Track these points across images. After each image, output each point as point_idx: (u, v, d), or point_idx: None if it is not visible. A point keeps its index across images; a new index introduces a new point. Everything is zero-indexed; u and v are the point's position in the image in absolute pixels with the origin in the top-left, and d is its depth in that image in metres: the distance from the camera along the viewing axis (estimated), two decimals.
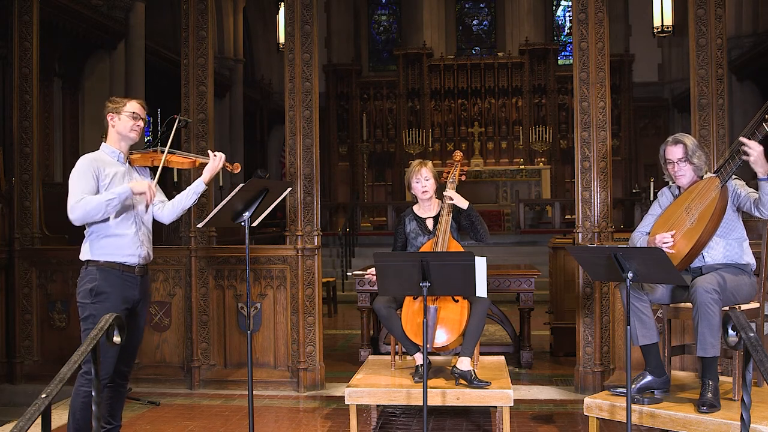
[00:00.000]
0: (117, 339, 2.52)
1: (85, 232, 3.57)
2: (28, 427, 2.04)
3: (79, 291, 3.52)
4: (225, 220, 3.79)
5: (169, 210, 3.75)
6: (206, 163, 3.76)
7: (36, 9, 5.66)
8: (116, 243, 3.52)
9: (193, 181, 3.82)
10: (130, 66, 11.06)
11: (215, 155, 3.76)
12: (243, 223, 3.72)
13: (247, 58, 16.95)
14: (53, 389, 2.16)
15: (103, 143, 3.68)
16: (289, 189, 4.18)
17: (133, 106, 3.63)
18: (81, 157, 3.56)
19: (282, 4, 6.36)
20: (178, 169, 4.19)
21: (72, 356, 2.36)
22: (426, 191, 4.30)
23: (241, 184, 3.59)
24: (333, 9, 18.64)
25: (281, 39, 11.84)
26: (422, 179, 4.29)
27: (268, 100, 17.86)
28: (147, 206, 3.66)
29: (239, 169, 3.93)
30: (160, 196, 3.75)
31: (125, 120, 3.60)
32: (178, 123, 3.90)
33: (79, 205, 3.37)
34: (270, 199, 3.80)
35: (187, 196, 3.76)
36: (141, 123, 3.65)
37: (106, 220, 3.49)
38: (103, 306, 3.43)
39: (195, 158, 3.78)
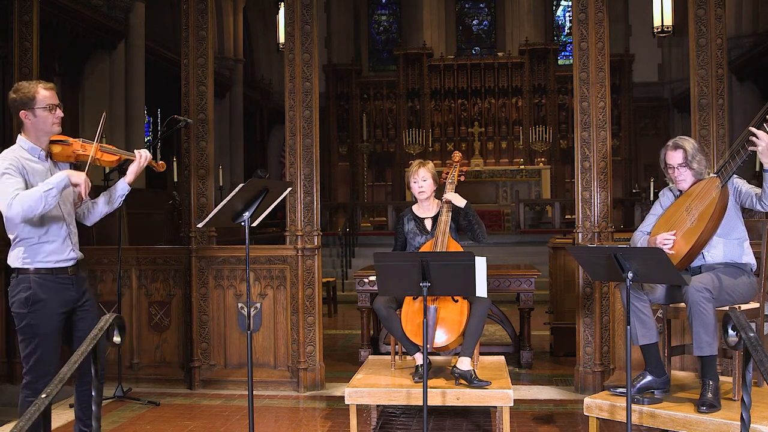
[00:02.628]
0: (117, 339, 2.52)
1: (10, 237, 3.36)
2: (28, 427, 2.04)
3: (12, 301, 3.33)
4: (225, 220, 3.79)
5: (94, 212, 3.59)
6: (131, 160, 3.53)
7: (36, 9, 5.66)
8: (47, 249, 3.33)
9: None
10: (130, 66, 11.07)
11: (140, 153, 3.53)
12: (243, 223, 3.72)
13: (247, 58, 16.95)
14: (53, 389, 2.16)
15: (20, 136, 3.37)
16: (289, 189, 4.18)
17: (43, 96, 3.30)
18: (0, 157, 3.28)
19: (282, 4, 6.35)
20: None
21: (72, 356, 2.36)
22: (422, 191, 4.30)
23: (241, 184, 3.59)
24: (333, 9, 18.64)
25: (281, 39, 11.83)
26: (419, 179, 4.30)
27: (268, 100, 17.87)
28: (80, 199, 3.44)
29: (164, 167, 3.72)
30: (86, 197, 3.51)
31: (42, 115, 3.31)
32: (178, 125, 3.83)
33: (16, 200, 3.11)
34: (270, 199, 3.79)
35: (112, 199, 3.57)
36: (59, 112, 3.36)
37: (37, 226, 3.29)
38: (40, 314, 3.29)
39: (120, 154, 3.52)
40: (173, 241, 5.92)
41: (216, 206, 3.69)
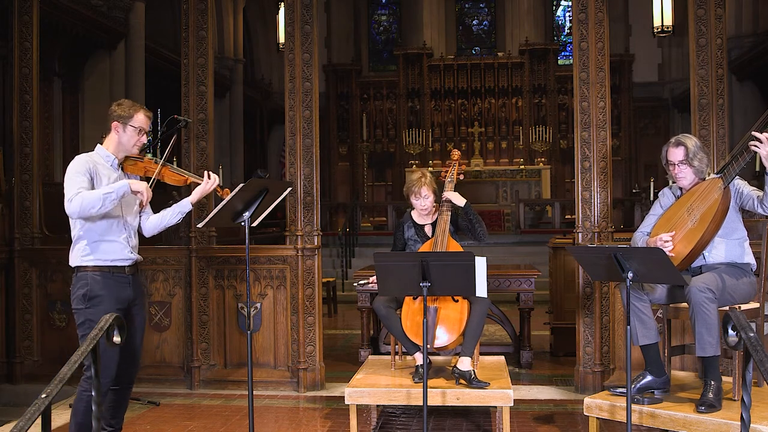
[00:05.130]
0: (117, 339, 2.52)
1: (72, 237, 3.54)
2: (28, 427, 2.04)
3: (72, 297, 3.51)
4: (225, 221, 3.79)
5: (152, 223, 3.74)
6: (197, 183, 3.71)
7: (36, 9, 5.66)
8: (106, 248, 3.50)
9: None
10: (130, 66, 11.06)
11: (209, 178, 3.71)
12: (243, 223, 3.72)
13: (247, 58, 16.95)
14: (53, 389, 2.16)
15: (99, 145, 3.63)
16: (289, 189, 4.17)
17: (140, 120, 3.57)
18: (76, 157, 3.53)
19: (282, 4, 6.35)
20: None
21: (72, 356, 2.36)
22: (425, 208, 4.31)
23: (241, 184, 3.59)
24: (333, 9, 18.64)
25: (281, 39, 11.84)
26: (422, 198, 4.28)
27: (268, 100, 17.86)
28: (141, 207, 3.65)
29: (228, 194, 3.85)
30: (146, 207, 3.74)
31: (130, 134, 3.57)
32: (178, 125, 3.87)
33: (77, 197, 3.32)
34: (270, 199, 3.79)
35: (172, 215, 3.74)
36: (144, 138, 3.62)
37: (97, 225, 3.47)
38: (97, 309, 3.42)
39: (188, 176, 3.70)
40: (173, 241, 5.91)
41: (216, 206, 3.69)
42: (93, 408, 2.41)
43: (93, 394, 2.41)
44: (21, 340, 5.57)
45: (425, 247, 4.20)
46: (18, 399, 5.40)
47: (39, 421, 2.12)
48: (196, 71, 5.45)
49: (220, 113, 14.32)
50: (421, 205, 4.29)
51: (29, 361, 5.58)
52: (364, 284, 5.84)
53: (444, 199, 4.25)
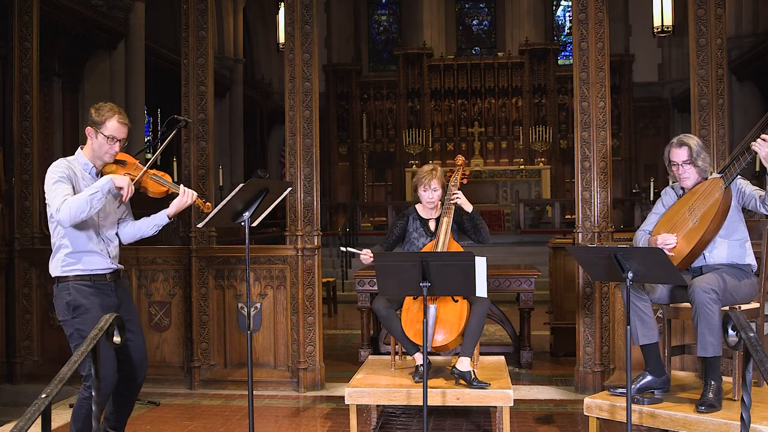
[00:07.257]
0: (117, 339, 2.52)
1: (52, 245, 3.47)
2: (28, 427, 2.04)
3: (58, 310, 3.44)
4: (225, 221, 3.78)
5: (129, 233, 3.66)
6: (177, 194, 3.59)
7: (36, 9, 5.66)
8: (86, 259, 3.44)
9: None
10: (130, 66, 11.07)
11: (185, 191, 3.59)
12: (243, 223, 3.71)
13: (247, 58, 16.95)
14: (53, 389, 2.16)
15: (79, 150, 3.55)
16: (289, 189, 4.17)
17: (112, 127, 3.43)
18: (53, 163, 3.44)
19: (282, 4, 6.36)
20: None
21: (72, 356, 2.36)
22: (431, 201, 4.32)
23: (241, 184, 3.58)
24: (333, 9, 18.64)
25: (281, 39, 11.84)
26: (430, 190, 4.30)
27: (268, 100, 17.86)
28: (121, 201, 3.55)
29: (210, 208, 3.77)
30: (125, 213, 3.68)
31: (101, 142, 3.44)
32: (178, 125, 3.84)
33: (65, 205, 3.27)
34: (270, 199, 3.79)
35: (149, 226, 3.66)
36: (117, 147, 3.48)
37: (74, 236, 3.39)
38: (84, 318, 3.36)
39: (169, 187, 3.58)
40: (173, 241, 5.91)
41: (216, 206, 3.68)
42: (93, 408, 2.41)
43: (93, 394, 2.41)
44: (21, 340, 5.57)
45: (427, 248, 4.20)
46: (18, 399, 5.40)
47: (39, 421, 2.12)
48: (196, 71, 5.45)
49: (220, 113, 14.31)
50: (428, 197, 4.31)
51: (29, 361, 5.58)
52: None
53: (451, 201, 4.26)
